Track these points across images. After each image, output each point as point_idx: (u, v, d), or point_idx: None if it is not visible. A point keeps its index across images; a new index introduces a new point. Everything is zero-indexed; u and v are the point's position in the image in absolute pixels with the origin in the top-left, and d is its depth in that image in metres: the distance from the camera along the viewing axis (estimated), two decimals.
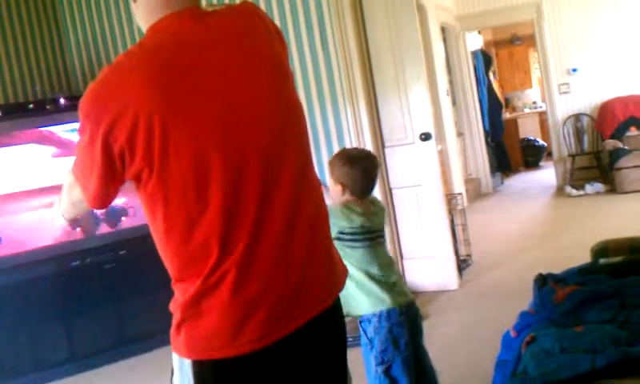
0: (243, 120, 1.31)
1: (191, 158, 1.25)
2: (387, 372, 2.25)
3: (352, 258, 2.27)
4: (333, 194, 2.37)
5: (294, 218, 1.35)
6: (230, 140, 1.28)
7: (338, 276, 1.50)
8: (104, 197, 1.33)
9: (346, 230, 2.26)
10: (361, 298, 2.27)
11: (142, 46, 1.32)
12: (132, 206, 4.33)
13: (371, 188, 2.35)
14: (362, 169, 2.30)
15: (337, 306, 1.47)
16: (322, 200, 1.49)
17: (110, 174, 1.28)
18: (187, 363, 1.32)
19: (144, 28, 1.38)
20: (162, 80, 1.24)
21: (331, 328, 1.46)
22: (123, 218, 4.39)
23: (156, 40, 1.32)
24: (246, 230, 1.29)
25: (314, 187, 1.44)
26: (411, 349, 2.27)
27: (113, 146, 1.24)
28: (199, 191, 1.26)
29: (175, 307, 1.34)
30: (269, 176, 1.32)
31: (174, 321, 1.34)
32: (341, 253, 2.26)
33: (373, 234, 2.31)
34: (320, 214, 1.45)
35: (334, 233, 2.24)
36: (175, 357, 1.35)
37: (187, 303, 1.30)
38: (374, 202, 2.40)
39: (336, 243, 2.25)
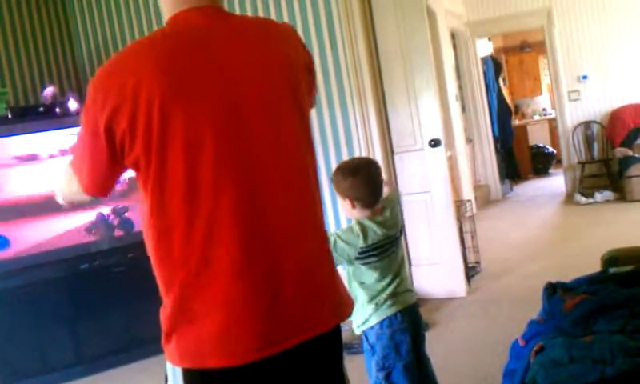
0: (240, 119, 1.30)
1: (184, 150, 1.25)
2: (388, 377, 2.26)
3: (367, 276, 2.27)
4: (345, 211, 2.35)
5: (290, 237, 1.34)
6: (224, 137, 1.28)
7: (340, 307, 1.46)
8: (102, 183, 1.36)
9: (364, 248, 2.23)
10: (369, 315, 2.27)
11: (163, 32, 1.36)
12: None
13: (379, 194, 2.31)
14: (365, 177, 2.26)
15: (335, 334, 1.44)
16: (323, 226, 1.47)
17: (111, 161, 1.29)
18: (179, 371, 1.32)
19: (166, 18, 1.40)
20: (169, 66, 1.26)
21: (326, 354, 1.43)
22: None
23: (173, 29, 1.35)
24: (235, 235, 1.27)
25: (314, 209, 1.42)
26: (413, 355, 2.26)
27: (115, 130, 1.25)
28: (188, 187, 1.25)
29: (165, 316, 1.33)
30: (258, 185, 1.31)
31: (164, 329, 1.33)
32: (357, 272, 2.26)
33: (393, 241, 2.30)
34: (322, 243, 1.44)
35: (352, 254, 2.23)
36: (168, 364, 1.35)
37: (175, 310, 1.30)
38: (385, 205, 2.33)
39: (355, 264, 2.26)
